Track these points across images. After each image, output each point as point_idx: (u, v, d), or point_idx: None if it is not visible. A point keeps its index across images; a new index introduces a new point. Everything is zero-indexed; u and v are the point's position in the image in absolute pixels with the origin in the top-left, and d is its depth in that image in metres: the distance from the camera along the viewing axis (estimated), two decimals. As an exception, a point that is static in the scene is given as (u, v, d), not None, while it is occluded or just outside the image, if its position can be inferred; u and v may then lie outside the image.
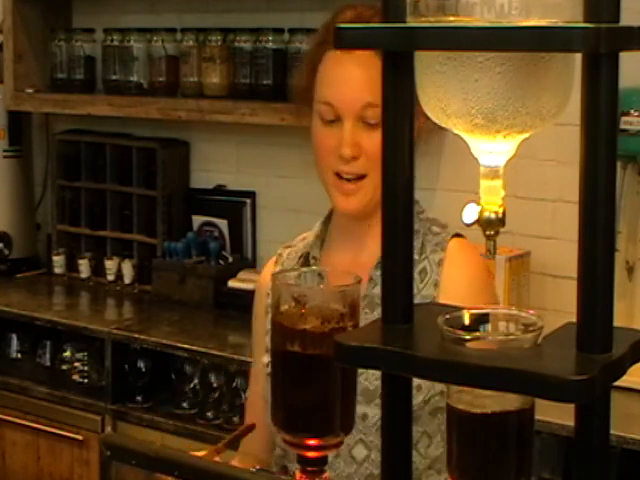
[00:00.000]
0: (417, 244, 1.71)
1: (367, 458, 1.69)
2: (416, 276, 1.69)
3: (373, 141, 1.64)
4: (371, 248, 1.72)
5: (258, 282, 1.90)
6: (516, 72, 0.87)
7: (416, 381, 1.64)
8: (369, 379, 1.66)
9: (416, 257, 1.70)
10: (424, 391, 1.66)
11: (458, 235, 1.76)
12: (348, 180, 1.69)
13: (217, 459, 1.36)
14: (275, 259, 1.86)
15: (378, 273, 1.66)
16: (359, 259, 1.75)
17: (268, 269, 1.84)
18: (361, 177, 1.68)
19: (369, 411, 1.67)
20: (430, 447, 1.68)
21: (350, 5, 1.73)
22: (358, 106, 1.65)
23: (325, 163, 1.70)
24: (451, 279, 1.70)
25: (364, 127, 1.66)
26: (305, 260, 1.79)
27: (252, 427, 1.50)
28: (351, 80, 1.66)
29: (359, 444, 1.69)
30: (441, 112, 0.91)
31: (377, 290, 1.64)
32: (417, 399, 1.64)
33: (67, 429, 3.38)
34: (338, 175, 1.69)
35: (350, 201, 1.69)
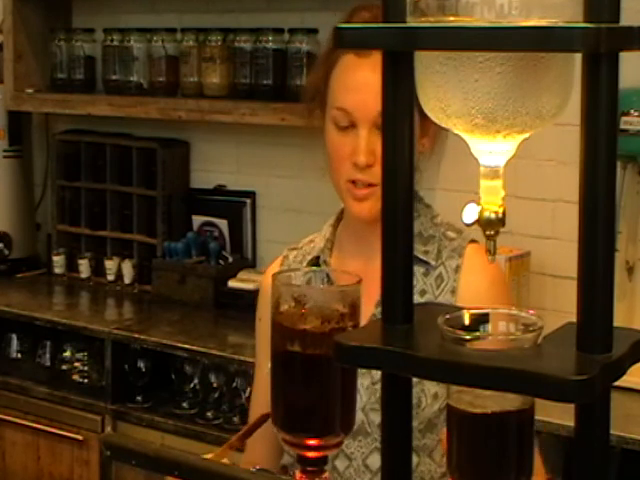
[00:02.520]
0: (434, 250, 1.70)
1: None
2: (432, 282, 1.68)
3: None
4: None
5: (262, 283, 1.85)
6: (516, 72, 0.87)
7: (432, 389, 1.63)
8: None
9: (433, 263, 1.69)
10: (440, 399, 1.64)
11: (474, 241, 1.72)
12: (361, 186, 1.65)
13: (225, 460, 1.35)
14: (280, 261, 1.82)
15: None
16: (371, 265, 1.64)
17: (273, 270, 1.78)
18: (374, 183, 1.64)
19: None
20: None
21: (365, 5, 1.67)
22: (374, 113, 1.60)
23: (340, 170, 1.67)
24: (469, 286, 1.68)
25: (379, 134, 1.57)
26: (316, 264, 1.75)
27: (266, 417, 1.48)
28: (367, 86, 1.61)
29: (375, 453, 1.65)
30: (441, 112, 0.91)
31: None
32: (433, 407, 1.63)
33: (67, 429, 3.37)
34: (352, 182, 1.66)
35: (363, 206, 1.66)
